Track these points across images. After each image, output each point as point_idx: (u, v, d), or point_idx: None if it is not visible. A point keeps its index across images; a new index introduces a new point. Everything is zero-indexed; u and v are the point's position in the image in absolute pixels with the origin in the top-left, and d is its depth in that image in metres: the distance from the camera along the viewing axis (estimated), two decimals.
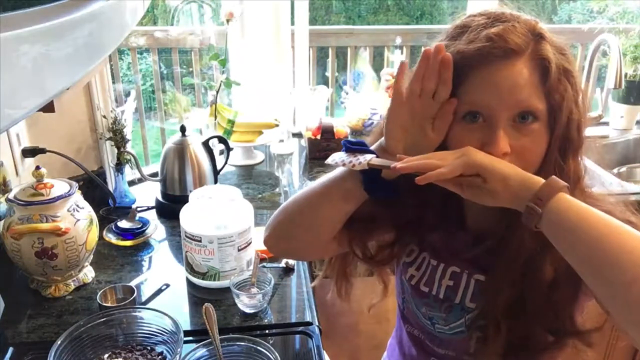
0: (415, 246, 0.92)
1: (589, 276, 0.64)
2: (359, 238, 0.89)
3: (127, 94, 2.06)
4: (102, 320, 1.04)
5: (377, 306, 1.02)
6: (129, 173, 1.70)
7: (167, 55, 2.53)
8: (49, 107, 0.68)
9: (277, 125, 1.97)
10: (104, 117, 1.60)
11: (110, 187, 1.66)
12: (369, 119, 2.05)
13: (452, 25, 0.79)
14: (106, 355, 1.03)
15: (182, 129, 1.61)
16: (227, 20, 1.96)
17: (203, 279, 1.26)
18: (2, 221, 1.19)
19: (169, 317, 1.04)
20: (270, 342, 1.09)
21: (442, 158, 0.70)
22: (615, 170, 2.13)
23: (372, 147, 0.81)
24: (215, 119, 1.93)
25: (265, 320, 1.19)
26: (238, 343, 1.02)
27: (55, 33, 0.43)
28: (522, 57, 0.72)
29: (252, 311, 1.20)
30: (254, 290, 1.22)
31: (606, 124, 2.29)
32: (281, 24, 2.07)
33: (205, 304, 1.02)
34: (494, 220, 0.80)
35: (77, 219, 1.20)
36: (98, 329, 1.03)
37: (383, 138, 0.80)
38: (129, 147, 1.64)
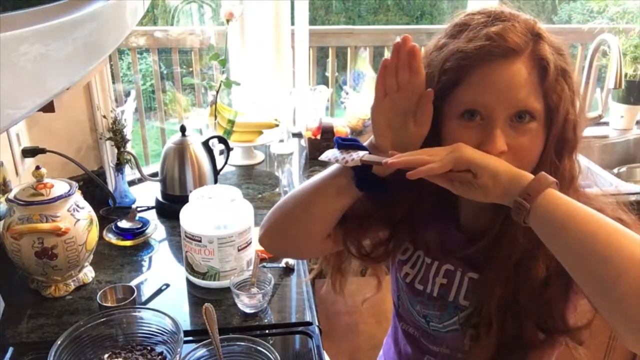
0: (410, 244, 0.93)
1: (576, 271, 0.65)
2: (353, 236, 0.89)
3: (127, 94, 2.07)
4: (102, 320, 1.04)
5: (377, 306, 1.03)
6: (129, 173, 1.70)
7: (167, 55, 2.53)
8: (49, 107, 0.68)
9: (277, 125, 1.97)
10: (104, 117, 1.60)
11: (110, 187, 1.66)
12: (369, 119, 2.05)
13: (451, 23, 0.79)
14: (106, 355, 1.03)
15: (182, 129, 1.61)
16: (227, 20, 1.96)
17: (203, 279, 1.26)
18: (2, 221, 1.19)
19: (169, 317, 1.04)
20: (270, 342, 1.09)
21: (433, 154, 0.70)
22: (615, 170, 2.13)
23: (365, 143, 0.82)
24: (215, 119, 1.93)
25: (265, 320, 1.19)
26: (238, 343, 1.02)
27: (55, 33, 0.43)
28: (521, 56, 0.72)
29: (252, 311, 1.20)
30: (254, 290, 1.22)
31: (606, 124, 2.29)
32: (281, 24, 2.07)
33: (205, 304, 1.02)
34: (487, 219, 0.80)
35: (77, 219, 1.20)
36: (98, 329, 1.03)
37: (373, 135, 0.81)
38: (129, 147, 1.64)
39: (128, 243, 1.45)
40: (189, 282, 1.30)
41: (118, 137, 1.59)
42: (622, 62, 1.93)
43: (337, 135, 0.85)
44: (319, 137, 1.98)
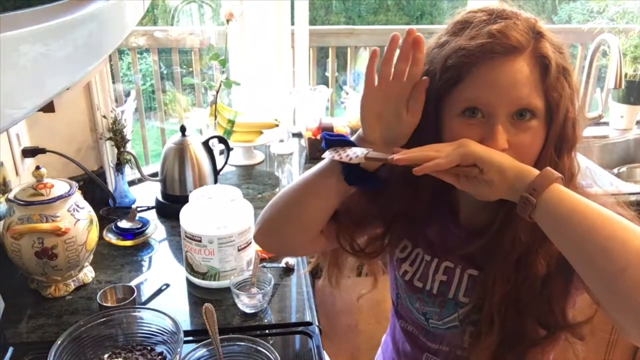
0: (409, 242, 0.93)
1: (581, 265, 0.65)
2: (346, 232, 0.89)
3: (127, 94, 2.06)
4: (102, 320, 1.04)
5: (377, 306, 1.03)
6: (129, 173, 1.70)
7: (167, 55, 2.53)
8: (49, 107, 0.68)
9: (277, 125, 1.97)
10: (104, 117, 1.60)
11: (110, 187, 1.66)
12: None
13: (453, 21, 0.79)
14: (106, 355, 1.03)
15: (182, 129, 1.61)
16: (227, 20, 1.96)
17: (203, 279, 1.26)
18: (2, 221, 1.19)
19: (169, 317, 1.04)
20: (270, 342, 1.09)
21: (439, 149, 0.70)
22: (615, 170, 2.13)
23: (352, 138, 0.81)
24: (215, 119, 1.93)
25: (265, 320, 1.19)
26: (238, 343, 1.02)
27: (55, 33, 0.43)
28: (522, 54, 0.72)
29: (252, 311, 1.20)
30: (254, 290, 1.22)
31: (606, 124, 2.29)
32: (281, 24, 2.07)
33: (205, 304, 1.02)
34: (487, 215, 0.81)
35: (77, 219, 1.20)
36: (98, 329, 1.03)
37: (361, 129, 0.81)
38: (129, 147, 1.64)
39: (128, 243, 1.44)
40: (189, 282, 1.30)
41: (118, 137, 1.59)
42: (622, 62, 1.93)
43: (325, 132, 0.84)
44: (319, 137, 1.98)
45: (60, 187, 1.19)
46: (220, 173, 1.72)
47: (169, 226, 1.57)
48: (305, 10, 2.18)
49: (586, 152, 2.11)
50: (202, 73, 2.42)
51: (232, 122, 1.93)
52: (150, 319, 1.06)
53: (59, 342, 0.96)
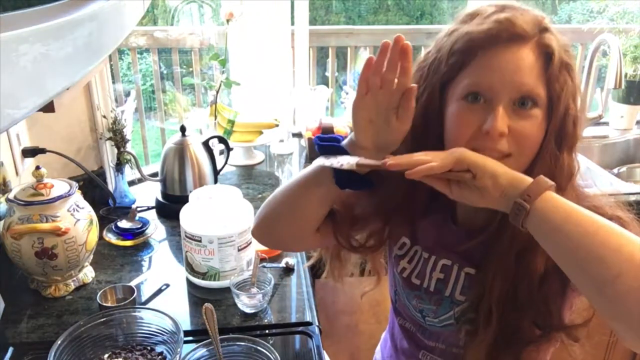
0: (407, 239, 0.93)
1: (574, 272, 0.65)
2: (343, 230, 0.89)
3: (127, 94, 2.07)
4: (102, 320, 1.04)
5: (377, 306, 1.03)
6: (129, 173, 1.70)
7: (167, 55, 2.53)
8: (49, 107, 0.68)
9: (277, 125, 1.97)
10: (104, 117, 1.60)
11: (110, 187, 1.66)
12: None
13: (464, 12, 0.81)
14: (106, 355, 1.03)
15: (182, 129, 1.61)
16: (227, 20, 1.96)
17: (203, 279, 1.26)
18: (2, 221, 1.19)
19: (169, 317, 1.04)
20: (270, 342, 1.09)
21: (433, 154, 0.70)
22: (615, 170, 2.13)
23: (344, 142, 0.81)
24: (215, 119, 1.93)
25: (265, 320, 1.19)
26: (238, 343, 1.02)
27: (55, 33, 0.43)
28: (527, 43, 0.73)
29: (252, 311, 1.20)
30: (254, 290, 1.22)
31: (606, 124, 2.29)
32: (281, 24, 2.07)
33: (205, 304, 1.02)
34: (484, 214, 0.80)
35: (77, 219, 1.20)
36: (98, 329, 1.03)
37: (353, 132, 0.81)
38: (129, 147, 1.64)
39: (128, 243, 1.45)
40: (189, 282, 1.30)
41: (118, 137, 1.59)
42: (622, 62, 1.93)
43: (317, 135, 0.84)
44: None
45: (60, 187, 1.19)
46: (220, 173, 1.72)
47: (169, 226, 1.57)
48: (305, 10, 2.18)
49: (586, 152, 2.11)
50: (202, 73, 2.42)
51: (232, 122, 1.93)
52: (150, 319, 1.06)
53: (59, 342, 0.96)
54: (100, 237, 1.35)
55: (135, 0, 0.81)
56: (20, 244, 1.15)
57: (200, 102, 2.51)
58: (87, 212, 1.25)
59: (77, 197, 1.24)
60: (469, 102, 0.75)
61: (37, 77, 0.41)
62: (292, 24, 2.17)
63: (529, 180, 0.68)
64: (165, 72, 2.63)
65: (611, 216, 0.72)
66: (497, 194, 0.69)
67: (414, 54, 0.84)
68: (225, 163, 1.73)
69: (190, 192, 1.36)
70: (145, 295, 1.26)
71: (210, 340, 1.00)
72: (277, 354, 0.97)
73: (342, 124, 2.10)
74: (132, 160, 1.61)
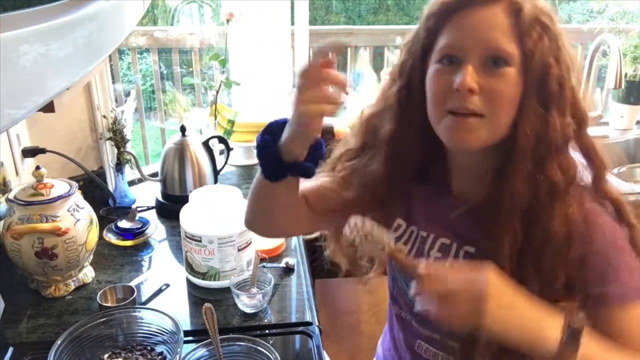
0: (403, 220, 0.93)
1: None
2: (335, 214, 0.90)
3: (127, 94, 2.06)
4: (102, 320, 1.04)
5: (377, 306, 1.03)
6: (129, 173, 1.70)
7: (167, 55, 2.53)
8: (49, 107, 0.68)
9: None
10: (104, 117, 1.60)
11: (110, 187, 1.66)
12: None
13: None
14: (106, 355, 1.03)
15: (182, 129, 1.61)
16: (227, 20, 1.96)
17: (203, 279, 1.26)
18: (2, 221, 1.19)
19: (169, 317, 1.04)
20: (270, 342, 1.09)
21: (457, 304, 0.70)
22: (615, 170, 2.12)
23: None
24: (215, 119, 1.93)
25: (265, 320, 1.19)
26: (238, 343, 1.02)
27: (55, 33, 0.43)
28: (499, 3, 0.74)
29: (252, 311, 1.20)
30: (254, 290, 1.22)
31: (606, 124, 2.29)
32: (281, 24, 2.07)
33: (205, 304, 1.02)
34: (480, 188, 0.80)
35: (77, 219, 1.20)
36: (98, 329, 1.03)
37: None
38: (129, 147, 1.64)
39: (128, 243, 1.44)
40: (189, 282, 1.30)
41: (118, 137, 1.59)
42: (622, 62, 1.94)
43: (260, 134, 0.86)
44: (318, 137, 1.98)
45: (60, 187, 1.19)
46: (220, 173, 1.72)
47: (169, 226, 1.57)
48: (305, 10, 2.18)
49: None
50: (202, 73, 2.42)
51: (232, 122, 1.93)
52: (150, 319, 1.06)
53: (59, 342, 0.96)
54: (100, 237, 1.35)
55: (135, 0, 0.81)
56: (20, 244, 1.15)
57: (200, 102, 2.51)
58: (87, 212, 1.25)
59: (77, 197, 1.24)
60: (444, 65, 0.77)
61: (37, 77, 0.41)
62: (292, 24, 2.16)
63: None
64: (165, 72, 2.62)
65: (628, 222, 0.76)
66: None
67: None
68: (225, 163, 1.73)
69: (190, 192, 1.36)
70: (145, 295, 1.26)
71: (210, 340, 0.99)
72: (277, 354, 0.97)
73: (342, 124, 2.10)
74: (132, 160, 1.61)
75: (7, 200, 1.16)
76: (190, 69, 2.48)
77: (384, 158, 0.87)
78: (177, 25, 2.30)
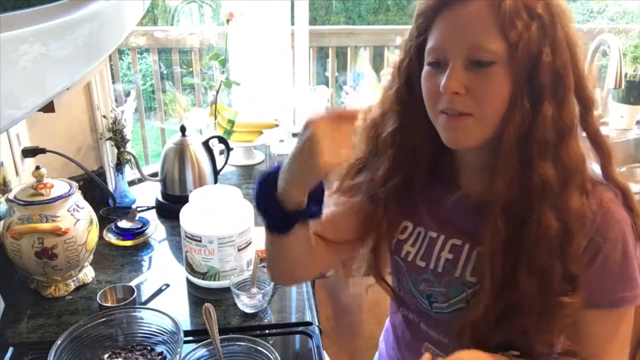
0: (409, 222, 0.92)
1: None
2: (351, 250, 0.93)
3: (127, 94, 2.06)
4: (102, 320, 1.04)
5: (377, 306, 1.03)
6: (129, 173, 1.70)
7: (167, 55, 2.53)
8: (49, 107, 0.68)
9: (277, 125, 1.97)
10: (104, 117, 1.60)
11: (110, 187, 1.66)
12: None
13: None
14: (106, 355, 1.03)
15: (182, 129, 1.61)
16: (227, 20, 1.96)
17: (203, 279, 1.26)
18: (2, 221, 1.19)
19: (169, 317, 1.04)
20: (270, 342, 1.09)
21: None
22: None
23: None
24: (215, 119, 1.93)
25: (265, 320, 1.19)
26: (238, 343, 1.02)
27: (55, 33, 0.43)
28: (481, 0, 0.72)
29: (252, 311, 1.20)
30: (254, 290, 1.22)
31: (606, 124, 2.29)
32: (281, 24, 2.07)
33: (205, 304, 1.02)
34: (487, 177, 0.79)
35: (77, 219, 1.20)
36: (98, 329, 1.03)
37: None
38: (129, 147, 1.64)
39: (128, 243, 1.44)
40: (189, 282, 1.30)
41: (118, 137, 1.59)
42: (622, 62, 1.93)
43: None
44: None
45: (60, 187, 1.19)
46: (220, 173, 1.72)
47: (169, 226, 1.57)
48: (305, 10, 2.18)
49: (586, 153, 2.11)
50: (202, 73, 2.42)
51: (232, 122, 1.93)
52: (150, 319, 1.06)
53: (59, 342, 0.96)
54: (100, 237, 1.35)
55: (135, 0, 0.81)
56: (20, 244, 1.15)
57: (200, 102, 2.51)
58: (87, 212, 1.25)
59: (77, 197, 1.24)
60: (433, 68, 0.77)
61: (37, 77, 0.41)
62: (292, 24, 2.17)
63: None
64: (165, 72, 2.63)
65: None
66: None
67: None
68: (225, 163, 1.73)
69: (190, 192, 1.36)
70: (145, 295, 1.26)
71: (210, 340, 0.99)
72: (277, 354, 0.97)
73: None
74: (132, 160, 1.61)
75: (7, 200, 1.16)
76: (190, 69, 2.48)
77: (389, 159, 0.86)
78: (177, 25, 2.30)
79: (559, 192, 0.74)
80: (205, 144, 1.64)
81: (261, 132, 1.98)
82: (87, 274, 1.30)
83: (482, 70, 0.72)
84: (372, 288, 1.01)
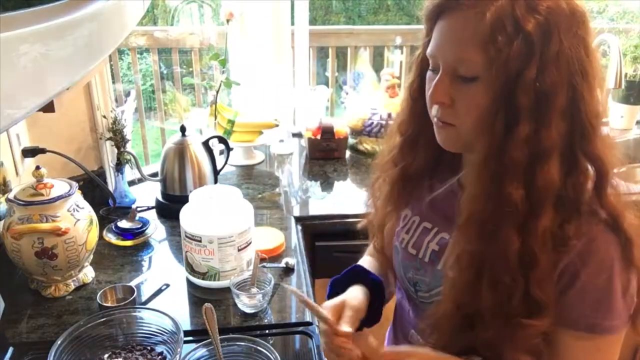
0: (409, 210, 0.95)
1: None
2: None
3: (127, 94, 2.06)
4: (102, 320, 1.04)
5: None
6: (129, 173, 1.70)
7: (167, 55, 2.53)
8: (49, 107, 0.68)
9: (277, 125, 1.97)
10: (104, 117, 1.60)
11: (110, 187, 1.66)
12: (369, 119, 2.05)
13: None
14: (106, 355, 1.03)
15: (182, 129, 1.61)
16: (227, 20, 1.96)
17: (203, 279, 1.26)
18: (2, 221, 1.19)
19: (169, 317, 1.04)
20: (270, 342, 1.09)
21: None
22: (615, 170, 2.12)
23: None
24: (215, 119, 1.93)
25: (265, 320, 1.19)
26: (238, 343, 1.02)
27: (55, 33, 0.43)
28: (471, 11, 0.70)
29: (252, 311, 1.20)
30: (254, 290, 1.22)
31: (606, 124, 2.29)
32: (281, 24, 2.07)
33: (205, 304, 1.02)
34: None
35: (77, 219, 1.20)
36: (98, 329, 1.03)
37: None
38: (129, 147, 1.64)
39: (128, 243, 1.45)
40: (189, 282, 1.30)
41: (118, 137, 1.59)
42: (622, 62, 1.93)
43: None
44: (319, 137, 1.98)
45: (60, 187, 1.19)
46: (220, 173, 1.72)
47: (169, 226, 1.57)
48: (305, 10, 2.18)
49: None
50: (202, 73, 2.42)
51: (232, 122, 1.93)
52: (150, 319, 1.06)
53: (59, 342, 0.96)
54: (100, 237, 1.35)
55: (135, 0, 0.81)
56: (20, 244, 1.15)
57: (200, 102, 2.51)
58: (87, 212, 1.25)
59: (77, 197, 1.24)
60: (432, 74, 0.78)
61: (37, 77, 0.41)
62: (292, 24, 2.17)
63: None
64: (165, 72, 2.63)
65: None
66: None
67: (415, 54, 0.86)
68: (225, 163, 1.73)
69: (190, 192, 1.36)
70: (145, 295, 1.26)
71: (210, 340, 0.99)
72: (277, 354, 0.97)
73: (342, 124, 2.11)
74: (132, 160, 1.61)
75: (7, 200, 1.16)
76: (190, 69, 2.48)
77: (398, 147, 0.90)
78: (177, 25, 2.31)
79: (525, 214, 0.71)
80: (205, 144, 1.64)
81: (261, 132, 1.98)
82: (87, 274, 1.30)
83: (465, 85, 0.73)
84: None
